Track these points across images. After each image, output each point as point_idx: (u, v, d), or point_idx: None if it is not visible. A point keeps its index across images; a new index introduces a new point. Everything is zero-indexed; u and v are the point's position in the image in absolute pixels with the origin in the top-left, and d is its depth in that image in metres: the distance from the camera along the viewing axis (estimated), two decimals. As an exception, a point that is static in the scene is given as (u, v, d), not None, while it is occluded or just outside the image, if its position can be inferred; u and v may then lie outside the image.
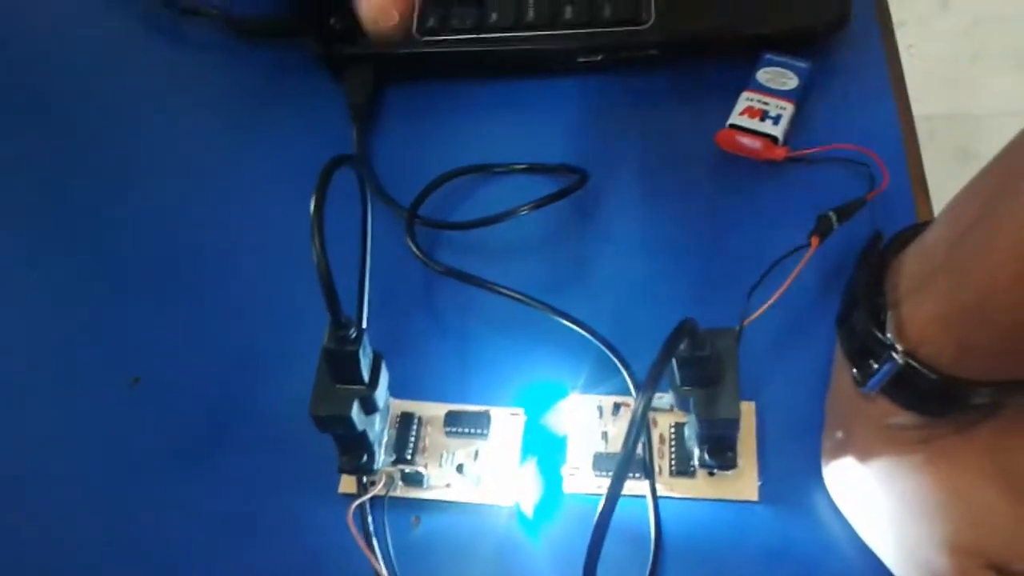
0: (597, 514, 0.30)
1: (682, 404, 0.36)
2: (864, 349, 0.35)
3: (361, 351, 0.35)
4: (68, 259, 0.51)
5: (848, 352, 0.37)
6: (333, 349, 0.34)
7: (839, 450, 0.38)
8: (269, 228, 0.50)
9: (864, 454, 0.37)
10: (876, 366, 0.35)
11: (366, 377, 0.36)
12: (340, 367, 0.35)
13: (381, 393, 0.37)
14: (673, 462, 0.40)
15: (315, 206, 0.32)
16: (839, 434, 0.38)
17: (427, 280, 0.47)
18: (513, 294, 0.44)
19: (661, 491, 0.40)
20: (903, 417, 0.35)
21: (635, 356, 0.42)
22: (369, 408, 0.37)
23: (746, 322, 0.39)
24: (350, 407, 0.35)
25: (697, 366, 0.34)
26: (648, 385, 0.30)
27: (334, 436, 0.38)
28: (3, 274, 0.51)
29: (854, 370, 0.36)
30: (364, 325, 0.37)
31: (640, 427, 0.29)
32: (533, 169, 0.50)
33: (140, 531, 0.42)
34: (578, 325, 0.43)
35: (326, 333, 0.35)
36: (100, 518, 0.42)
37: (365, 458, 0.39)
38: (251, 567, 0.41)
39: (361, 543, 0.36)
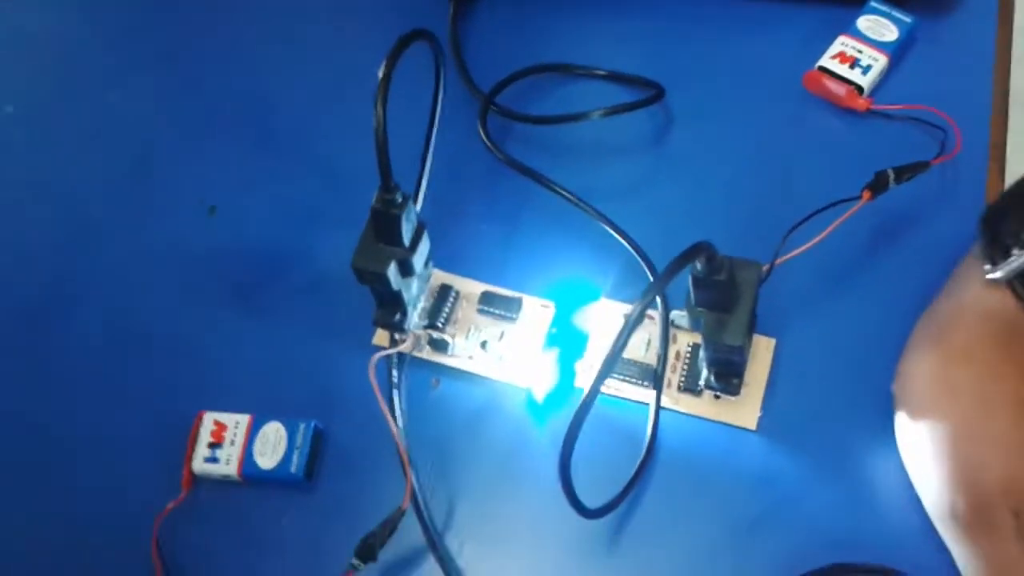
0: (584, 394, 0.33)
1: (695, 324, 0.38)
2: (1005, 247, 0.37)
3: (404, 216, 0.37)
4: (159, 82, 0.55)
5: (986, 246, 0.38)
6: (379, 210, 0.37)
7: (924, 362, 0.39)
8: (353, 94, 0.53)
9: (958, 357, 0.38)
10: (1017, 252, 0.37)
11: (407, 241, 0.39)
12: (384, 227, 0.38)
13: (419, 259, 0.40)
14: (683, 378, 0.42)
15: (384, 72, 0.34)
16: (924, 352, 0.40)
17: (489, 166, 0.49)
18: (566, 194, 0.46)
19: (666, 403, 0.42)
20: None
21: (669, 273, 0.44)
22: (406, 270, 0.40)
23: (778, 261, 0.40)
24: (387, 265, 0.38)
25: (711, 289, 0.36)
26: (649, 289, 0.32)
27: (372, 290, 0.41)
28: (93, 94, 0.55)
29: (987, 265, 0.38)
30: (423, 193, 0.39)
31: (632, 326, 0.31)
32: (613, 77, 0.50)
33: (199, 350, 0.47)
34: (620, 235, 0.45)
35: (376, 194, 0.37)
36: (168, 336, 0.47)
37: (398, 316, 0.42)
38: (284, 394, 0.45)
39: (375, 387, 0.40)
